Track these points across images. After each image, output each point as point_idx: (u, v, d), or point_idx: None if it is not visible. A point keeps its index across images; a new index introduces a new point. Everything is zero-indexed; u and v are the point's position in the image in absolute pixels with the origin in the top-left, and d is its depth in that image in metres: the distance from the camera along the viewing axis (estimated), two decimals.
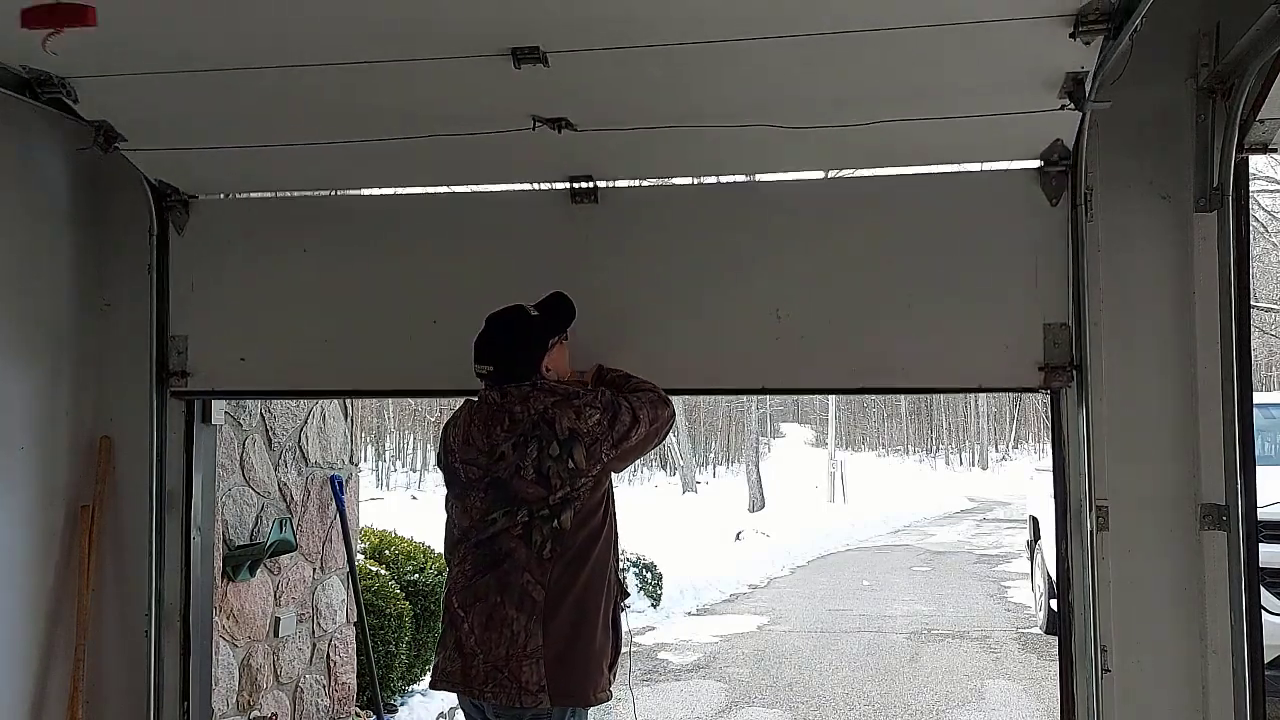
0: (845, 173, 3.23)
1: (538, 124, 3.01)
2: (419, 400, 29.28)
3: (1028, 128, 3.00)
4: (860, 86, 2.90)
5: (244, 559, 4.77)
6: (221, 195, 3.65)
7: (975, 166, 3.20)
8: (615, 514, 2.92)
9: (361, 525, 6.68)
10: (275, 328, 3.58)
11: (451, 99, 3.05)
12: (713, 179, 3.47)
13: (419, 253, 3.50)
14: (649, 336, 3.28)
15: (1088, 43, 2.57)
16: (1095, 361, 3.09)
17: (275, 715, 5.12)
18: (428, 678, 3.52)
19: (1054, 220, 3.13)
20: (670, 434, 3.16)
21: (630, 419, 2.83)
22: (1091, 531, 3.04)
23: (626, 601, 2.99)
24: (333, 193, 3.63)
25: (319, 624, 5.58)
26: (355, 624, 5.86)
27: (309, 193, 3.64)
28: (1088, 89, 2.79)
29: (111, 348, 3.69)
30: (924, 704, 6.96)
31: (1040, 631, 8.76)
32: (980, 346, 3.19)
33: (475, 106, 3.06)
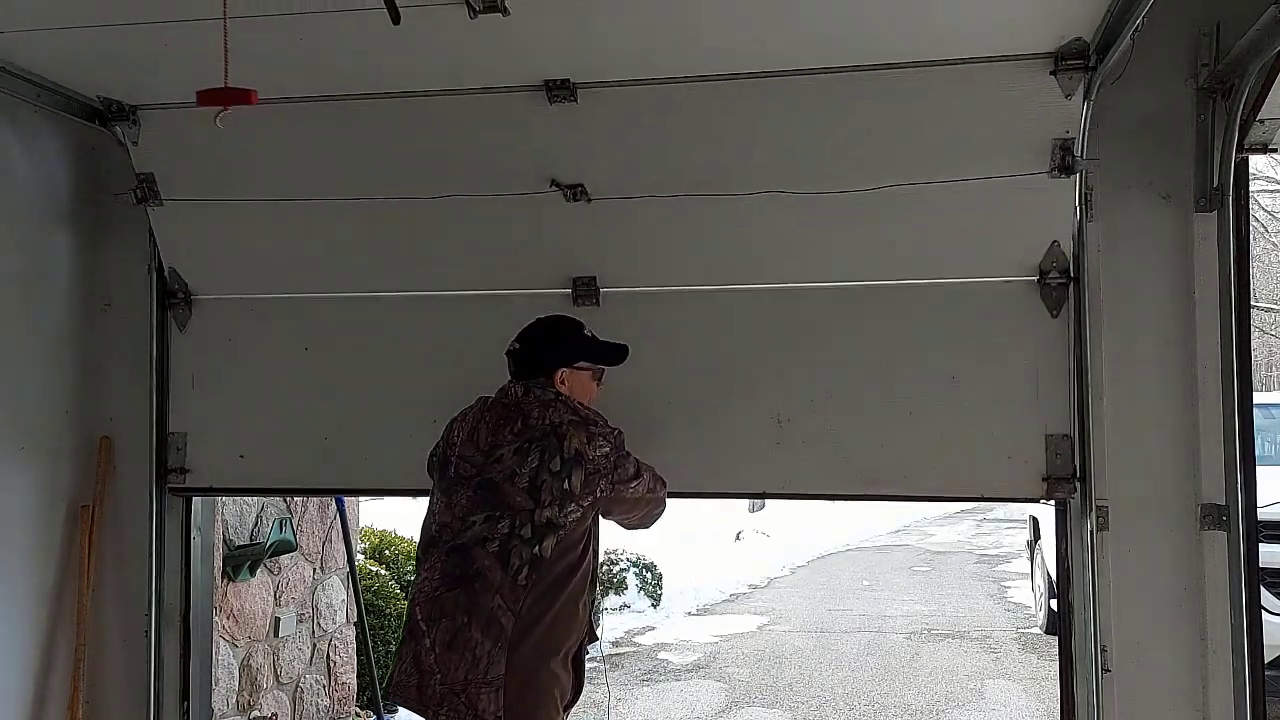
0: (844, 280, 3.23)
1: (555, 188, 3.17)
2: None
3: (1025, 237, 3.09)
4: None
5: (244, 559, 4.78)
6: (225, 294, 3.64)
7: (978, 275, 3.18)
8: (597, 552, 2.86)
9: (361, 525, 6.69)
10: (275, 425, 3.57)
11: (476, 146, 3.22)
12: (712, 287, 3.40)
13: (421, 352, 3.48)
14: (648, 438, 3.19)
15: (1069, 95, 2.80)
16: (1096, 359, 3.09)
17: (275, 715, 5.12)
18: None
19: (1055, 331, 3.12)
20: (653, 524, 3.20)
21: (634, 470, 2.82)
22: (1091, 531, 3.04)
23: (592, 646, 2.91)
24: (333, 293, 3.60)
25: (319, 624, 5.58)
26: (355, 624, 5.86)
27: (312, 294, 3.60)
28: (1077, 152, 2.94)
29: (111, 348, 3.69)
30: (924, 704, 6.96)
31: (1040, 631, 8.76)
32: (982, 455, 3.17)
33: (499, 156, 3.20)
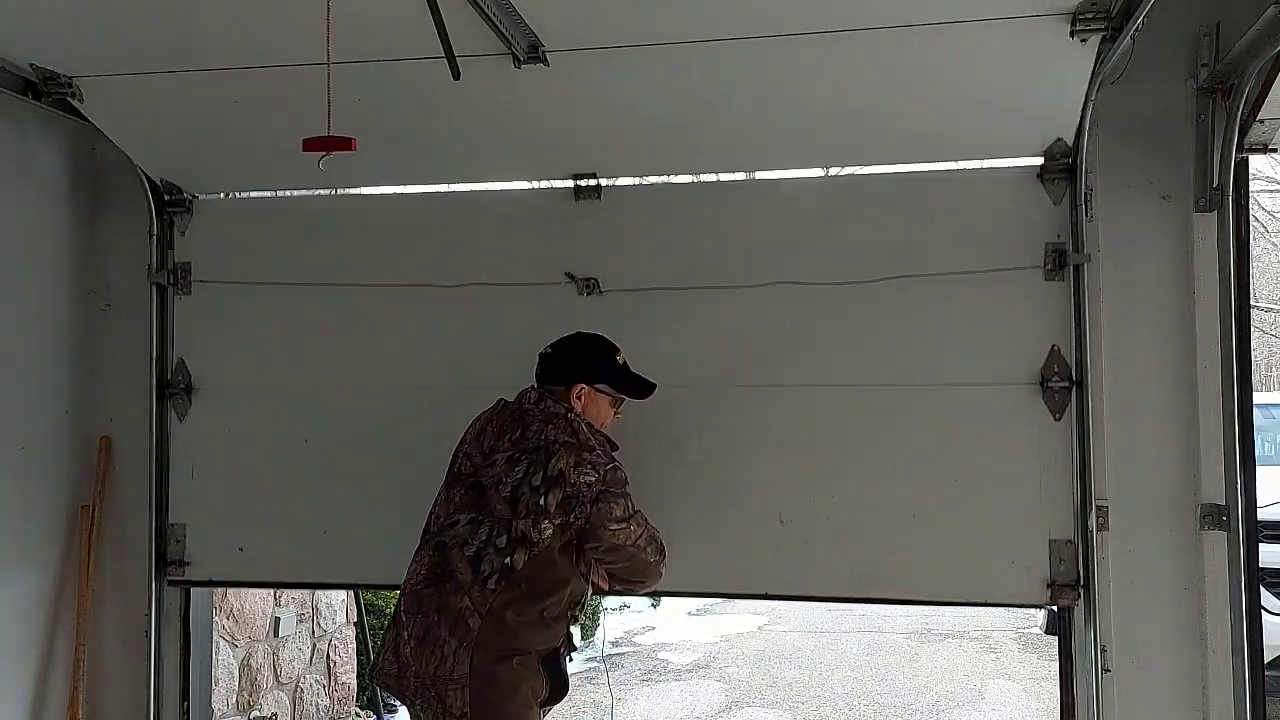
0: (849, 381, 3.23)
1: (570, 280, 3.29)
2: None
3: (1025, 342, 3.12)
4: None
5: None
6: (226, 385, 3.64)
7: (979, 380, 3.18)
8: (589, 582, 2.84)
9: None
10: (274, 517, 3.53)
11: (494, 239, 3.36)
12: (718, 381, 3.39)
13: (422, 444, 3.38)
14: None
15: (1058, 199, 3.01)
16: (1095, 363, 3.09)
17: (275, 715, 5.13)
18: None
19: (1059, 435, 3.10)
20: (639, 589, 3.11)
21: (623, 513, 2.74)
22: (1091, 531, 3.04)
23: (572, 654, 2.91)
24: (333, 385, 3.58)
25: (319, 624, 5.59)
26: (355, 624, 5.87)
27: (312, 385, 3.59)
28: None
29: (112, 348, 3.69)
30: (924, 704, 6.97)
31: (1040, 631, 8.76)
32: (985, 560, 3.14)
33: (516, 248, 3.31)
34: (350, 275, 3.47)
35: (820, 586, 3.32)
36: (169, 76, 3.01)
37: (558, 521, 2.68)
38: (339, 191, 3.58)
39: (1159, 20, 2.61)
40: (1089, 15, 2.59)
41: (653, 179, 3.37)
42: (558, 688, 2.77)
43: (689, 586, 3.35)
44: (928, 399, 3.18)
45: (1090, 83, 2.85)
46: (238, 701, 4.89)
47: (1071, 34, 2.60)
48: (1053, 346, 3.10)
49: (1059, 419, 3.10)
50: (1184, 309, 3.08)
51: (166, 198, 3.58)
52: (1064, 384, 3.09)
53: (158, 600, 3.59)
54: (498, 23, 2.57)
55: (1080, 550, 3.06)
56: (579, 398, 2.87)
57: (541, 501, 2.68)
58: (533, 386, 2.93)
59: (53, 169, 3.59)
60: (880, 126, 3.08)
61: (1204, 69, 3.04)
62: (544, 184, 3.43)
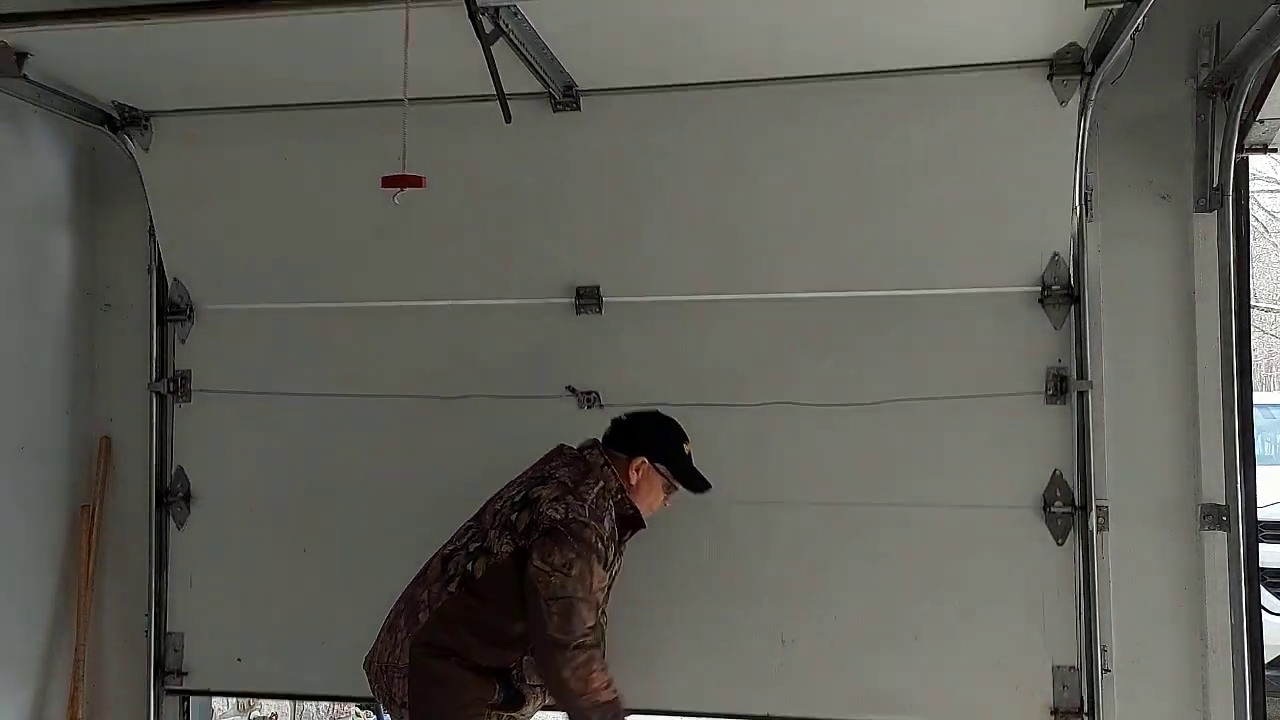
0: (851, 501, 3.21)
1: (570, 393, 3.31)
2: None
3: (1027, 465, 3.12)
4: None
5: None
6: (224, 494, 3.62)
7: (981, 502, 3.16)
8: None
9: None
10: (272, 626, 3.51)
11: (497, 350, 3.39)
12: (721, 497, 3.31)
13: (421, 555, 3.28)
14: (651, 657, 3.20)
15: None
16: (1096, 362, 3.09)
17: (275, 715, 5.13)
18: None
19: (1062, 559, 3.09)
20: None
21: (560, 562, 2.61)
22: (1091, 531, 3.04)
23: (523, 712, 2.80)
24: (333, 494, 3.55)
25: None
26: None
27: (309, 494, 3.56)
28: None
29: (111, 348, 3.70)
30: None
31: None
32: (988, 684, 3.10)
33: (518, 360, 3.37)
34: (350, 385, 3.47)
35: (823, 709, 3.24)
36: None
37: (520, 544, 2.69)
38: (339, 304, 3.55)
39: (1159, 20, 2.61)
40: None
41: (652, 297, 3.34)
42: (511, 699, 2.72)
43: (691, 706, 3.30)
44: (929, 521, 3.15)
45: (1083, 206, 3.01)
46: (238, 702, 4.89)
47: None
48: (1055, 471, 3.09)
49: (1061, 544, 3.08)
50: (1184, 309, 3.08)
51: (169, 308, 3.61)
52: (1066, 509, 3.08)
53: (157, 708, 3.59)
54: None
55: (1085, 677, 3.04)
56: (637, 470, 2.85)
57: (513, 518, 2.72)
58: (597, 441, 2.92)
59: (53, 169, 3.59)
60: (884, 254, 3.15)
61: (1204, 69, 3.04)
62: (545, 299, 3.40)
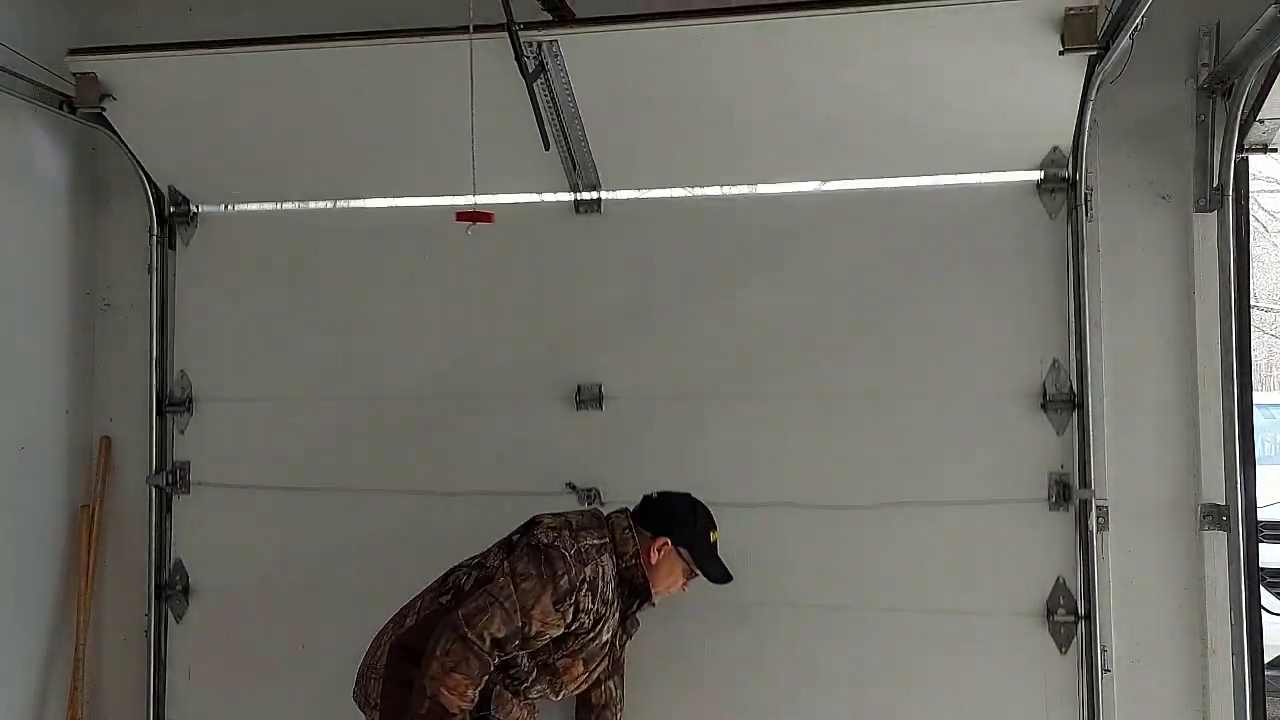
0: (853, 604, 3.21)
1: (570, 490, 3.31)
2: None
3: (1030, 573, 3.11)
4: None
5: None
6: (224, 586, 3.61)
7: (982, 609, 3.15)
8: (520, 658, 2.72)
9: None
10: None
11: (499, 445, 3.39)
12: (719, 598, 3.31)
13: None
14: None
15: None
16: (1096, 361, 3.09)
17: None
18: None
19: (1065, 669, 3.08)
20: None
21: (521, 570, 2.64)
22: (1091, 531, 3.04)
23: None
24: (332, 591, 3.53)
25: None
26: None
27: (306, 588, 3.55)
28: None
29: (111, 348, 3.70)
30: None
31: None
32: None
33: (519, 456, 3.37)
34: (348, 480, 3.46)
35: None
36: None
37: (508, 558, 2.72)
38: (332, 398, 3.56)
39: (1159, 20, 2.61)
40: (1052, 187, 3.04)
41: (656, 394, 3.36)
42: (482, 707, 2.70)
43: None
44: (933, 628, 3.15)
45: (1080, 316, 3.05)
46: None
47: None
48: (1058, 578, 3.09)
49: (1064, 652, 3.08)
50: (1184, 309, 3.08)
51: (169, 400, 3.63)
52: (1069, 617, 3.07)
53: None
54: None
55: None
56: (660, 549, 2.84)
57: (514, 538, 2.78)
58: (628, 510, 2.91)
59: (53, 169, 3.59)
60: (889, 359, 3.19)
61: (1204, 69, 3.04)
62: (545, 396, 3.41)
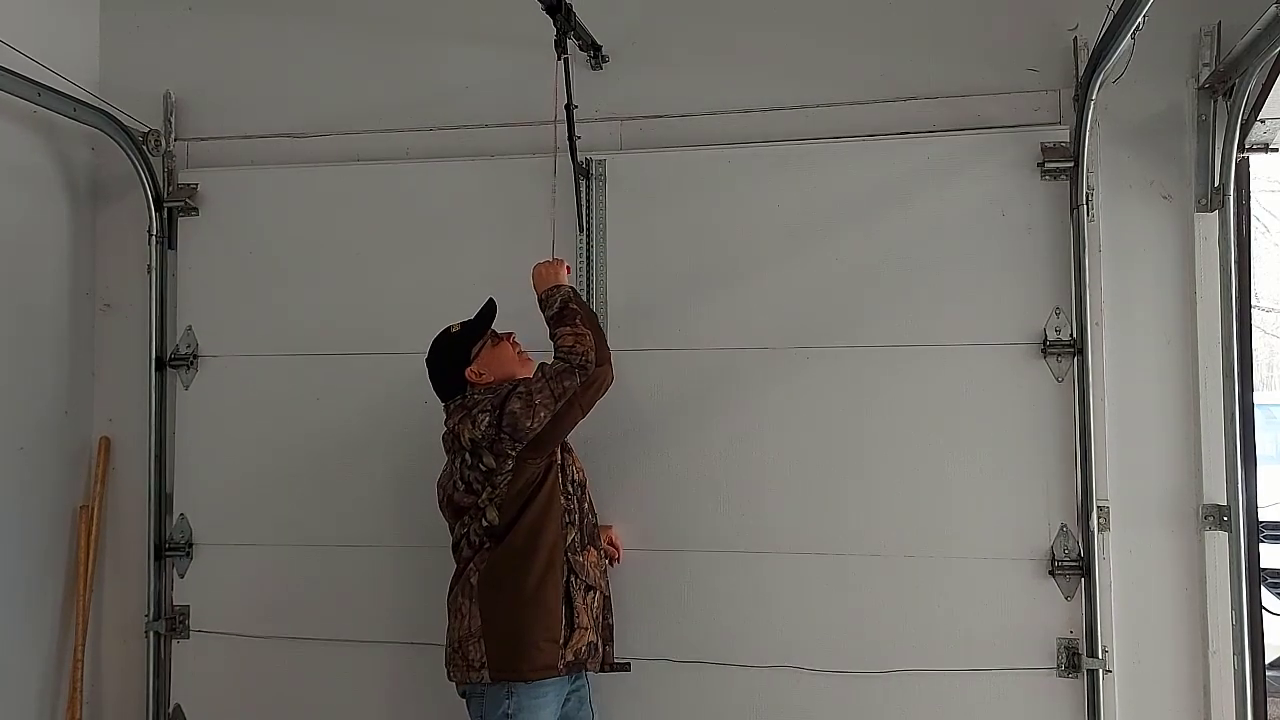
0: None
1: None
2: None
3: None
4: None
5: None
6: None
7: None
8: (560, 491, 2.84)
9: None
10: None
11: None
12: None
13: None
14: None
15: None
16: (1096, 360, 3.10)
17: None
18: None
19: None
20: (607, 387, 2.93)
21: (522, 407, 2.72)
22: (1092, 531, 3.04)
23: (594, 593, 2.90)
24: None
25: None
26: None
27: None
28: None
29: (111, 348, 3.69)
30: None
31: None
32: None
33: None
34: (348, 631, 3.46)
35: None
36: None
37: (508, 469, 2.74)
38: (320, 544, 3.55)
39: (1159, 20, 2.61)
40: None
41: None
42: (573, 626, 2.79)
43: None
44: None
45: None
46: None
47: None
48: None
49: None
50: (1185, 309, 3.08)
51: (167, 545, 3.62)
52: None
53: None
54: None
55: None
56: (479, 374, 2.88)
57: (483, 467, 2.76)
58: (449, 400, 2.91)
59: (53, 169, 3.59)
60: (889, 525, 3.17)
61: (1205, 68, 3.04)
62: None
